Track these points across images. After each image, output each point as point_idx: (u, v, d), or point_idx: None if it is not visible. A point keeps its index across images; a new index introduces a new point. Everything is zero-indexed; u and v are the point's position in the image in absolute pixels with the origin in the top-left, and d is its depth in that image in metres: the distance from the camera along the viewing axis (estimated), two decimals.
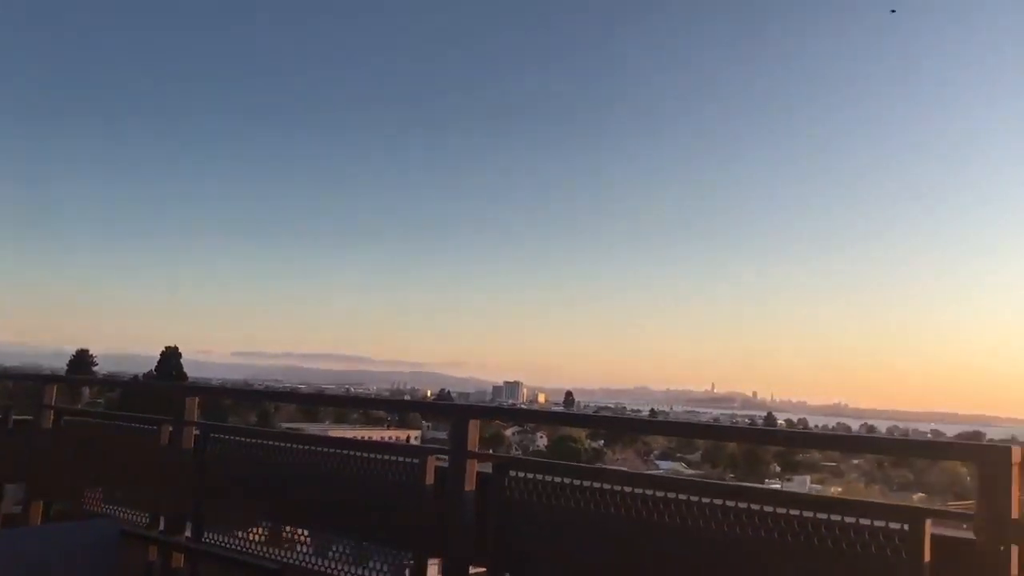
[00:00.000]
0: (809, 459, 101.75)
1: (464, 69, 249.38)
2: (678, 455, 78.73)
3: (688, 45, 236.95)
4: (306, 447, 5.37)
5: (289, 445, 5.41)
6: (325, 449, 5.24)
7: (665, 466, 73.73)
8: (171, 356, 70.22)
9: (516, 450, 73.98)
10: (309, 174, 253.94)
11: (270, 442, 5.56)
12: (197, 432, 5.90)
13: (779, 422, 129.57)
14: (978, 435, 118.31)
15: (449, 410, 4.96)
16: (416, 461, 4.62)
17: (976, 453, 3.05)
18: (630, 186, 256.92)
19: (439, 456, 4.64)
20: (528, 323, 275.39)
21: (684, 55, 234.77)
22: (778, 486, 59.32)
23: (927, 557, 3.00)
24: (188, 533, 5.66)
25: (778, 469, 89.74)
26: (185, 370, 71.80)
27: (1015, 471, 2.87)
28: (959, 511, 3.17)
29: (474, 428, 4.43)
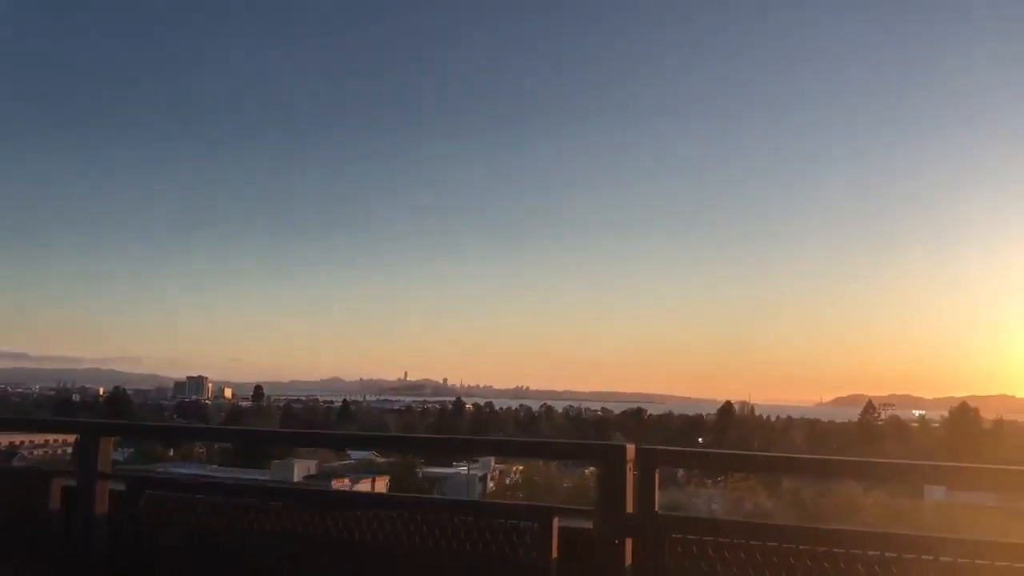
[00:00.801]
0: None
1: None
2: None
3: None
4: None
5: None
6: None
7: (358, 455, 73.73)
8: None
9: (200, 449, 70.28)
10: None
11: None
12: None
13: (467, 406, 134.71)
14: (641, 412, 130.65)
15: (75, 427, 4.48)
16: (39, 483, 4.13)
17: (597, 453, 3.25)
18: (317, 178, 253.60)
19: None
20: (214, 316, 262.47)
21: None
22: (464, 469, 61.49)
23: (555, 552, 3.15)
24: None
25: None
26: None
27: (630, 468, 3.09)
28: (585, 508, 3.37)
29: (106, 445, 4.03)
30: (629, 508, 3.09)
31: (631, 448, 3.11)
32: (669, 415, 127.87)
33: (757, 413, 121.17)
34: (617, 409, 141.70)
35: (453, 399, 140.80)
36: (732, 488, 44.17)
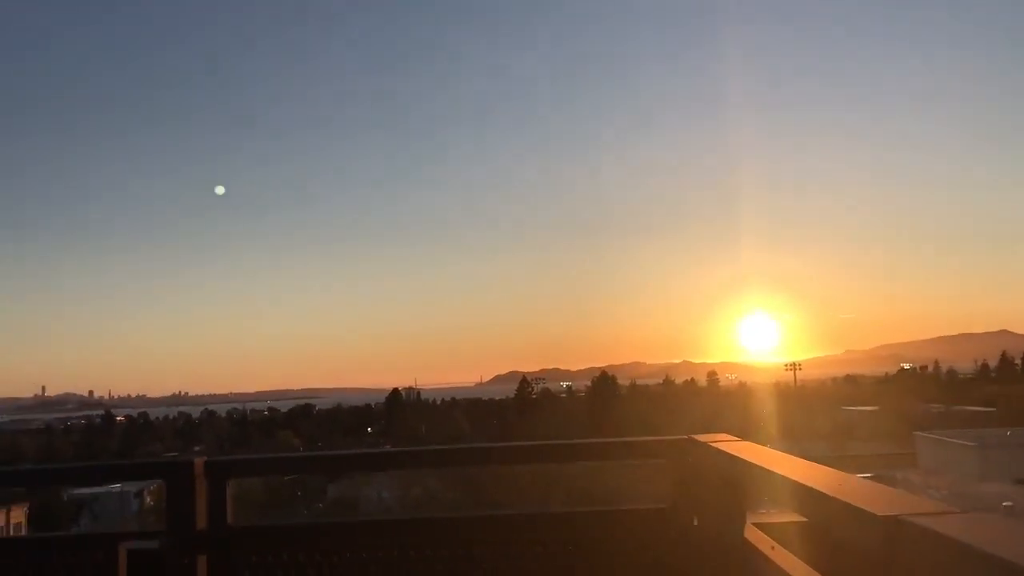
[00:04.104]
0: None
1: None
2: None
3: None
4: None
5: None
6: None
7: None
8: None
9: None
10: None
11: None
12: None
13: (118, 419, 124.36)
14: (309, 407, 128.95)
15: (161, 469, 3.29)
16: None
17: (162, 469, 3.03)
18: None
19: None
20: None
21: None
22: (117, 487, 56.46)
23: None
24: None
25: None
26: None
27: (199, 482, 2.90)
28: (153, 531, 3.11)
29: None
30: (201, 524, 2.91)
31: (199, 461, 2.92)
32: (338, 408, 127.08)
33: (423, 397, 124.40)
34: (285, 407, 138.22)
35: (101, 413, 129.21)
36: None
